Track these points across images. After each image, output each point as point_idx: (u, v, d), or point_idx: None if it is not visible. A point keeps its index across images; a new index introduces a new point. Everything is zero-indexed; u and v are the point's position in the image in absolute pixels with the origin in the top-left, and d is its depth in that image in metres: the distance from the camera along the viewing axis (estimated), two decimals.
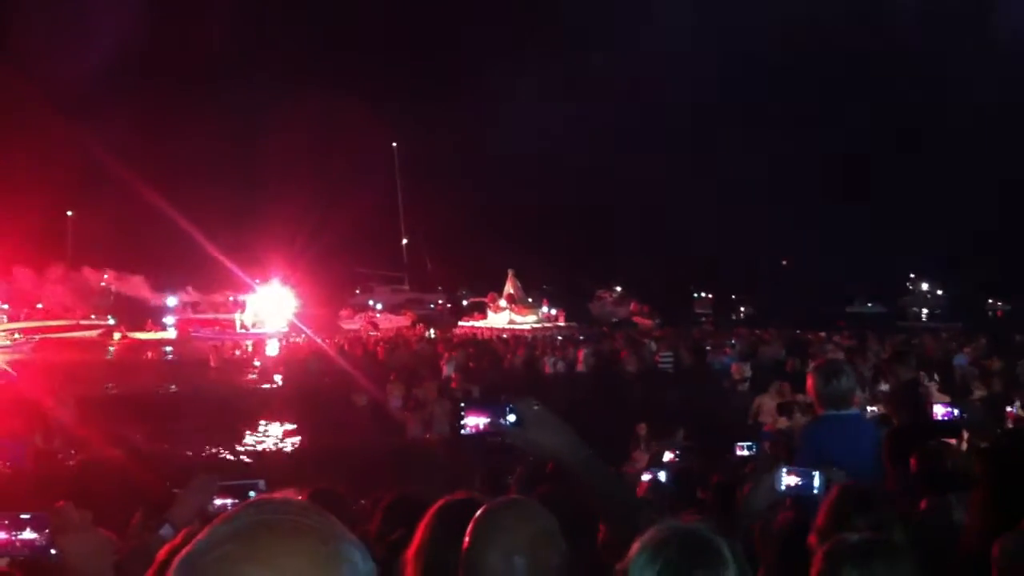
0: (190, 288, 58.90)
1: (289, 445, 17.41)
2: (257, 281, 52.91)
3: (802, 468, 3.07)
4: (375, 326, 53.12)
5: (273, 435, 18.36)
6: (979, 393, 8.53)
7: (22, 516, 2.50)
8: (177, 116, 79.41)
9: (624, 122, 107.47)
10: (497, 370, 26.47)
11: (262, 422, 19.06)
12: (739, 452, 7.13)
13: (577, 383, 25.37)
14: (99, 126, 66.04)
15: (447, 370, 23.77)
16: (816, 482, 3.01)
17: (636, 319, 62.92)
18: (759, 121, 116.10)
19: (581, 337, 40.32)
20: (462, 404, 2.56)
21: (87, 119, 64.53)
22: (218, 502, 3.17)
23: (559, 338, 39.64)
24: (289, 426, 18.88)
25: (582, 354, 29.11)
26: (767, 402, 14.73)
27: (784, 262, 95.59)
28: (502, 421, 2.46)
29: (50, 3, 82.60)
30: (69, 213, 71.82)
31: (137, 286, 60.40)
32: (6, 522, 2.45)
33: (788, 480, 3.01)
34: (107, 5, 70.84)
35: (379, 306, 65.42)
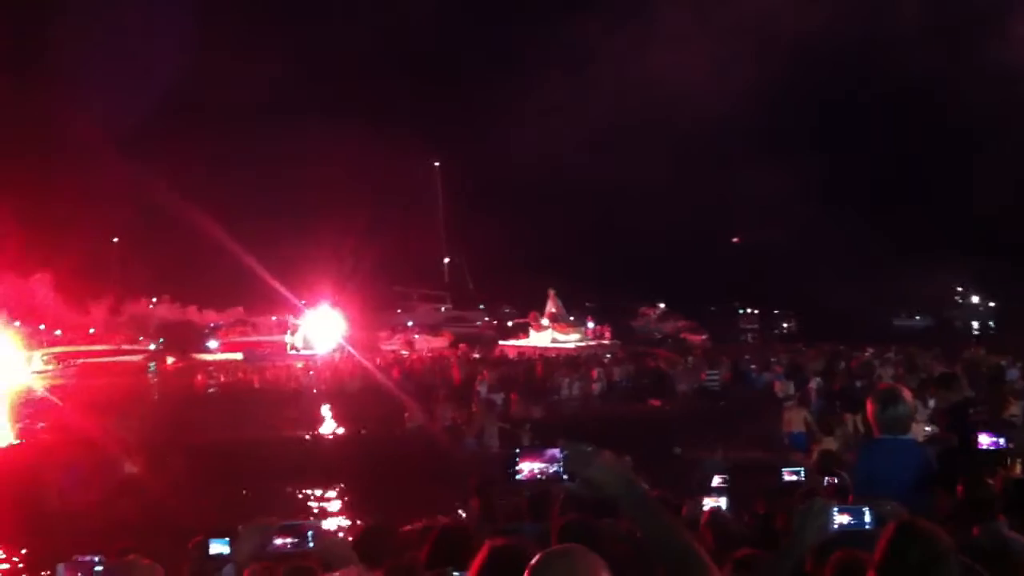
0: (241, 309, 59.88)
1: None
2: (303, 303, 53.61)
3: (852, 506, 3.11)
4: (411, 346, 53.40)
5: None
6: (1013, 410, 8.41)
7: (95, 568, 2.53)
8: (225, 145, 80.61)
9: (666, 139, 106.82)
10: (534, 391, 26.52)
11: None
12: (786, 477, 7.02)
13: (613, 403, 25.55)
14: (152, 156, 67.34)
15: (481, 391, 24.05)
16: (867, 518, 3.04)
17: (684, 335, 62.63)
18: (800, 131, 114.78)
19: (621, 355, 40.36)
20: (516, 450, 2.61)
21: (140, 150, 65.93)
22: (277, 541, 3.25)
23: (607, 356, 39.67)
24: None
25: (595, 373, 29.37)
26: (795, 415, 15.82)
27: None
28: (558, 470, 2.52)
29: (102, 38, 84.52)
30: (115, 239, 73.42)
31: (186, 310, 61.46)
32: (79, 574, 2.49)
33: (840, 519, 3.04)
34: (155, 37, 72.49)
35: (413, 324, 65.73)
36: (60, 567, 2.47)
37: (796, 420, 15.68)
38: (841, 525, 3.03)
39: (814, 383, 20.50)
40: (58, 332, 56.38)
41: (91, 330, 58.87)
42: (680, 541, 2.58)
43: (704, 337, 59.55)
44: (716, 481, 7.92)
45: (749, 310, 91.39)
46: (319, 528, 3.31)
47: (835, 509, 3.06)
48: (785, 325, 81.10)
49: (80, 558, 2.88)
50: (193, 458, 16.26)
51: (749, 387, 26.63)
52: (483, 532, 4.28)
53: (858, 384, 18.82)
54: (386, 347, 54.14)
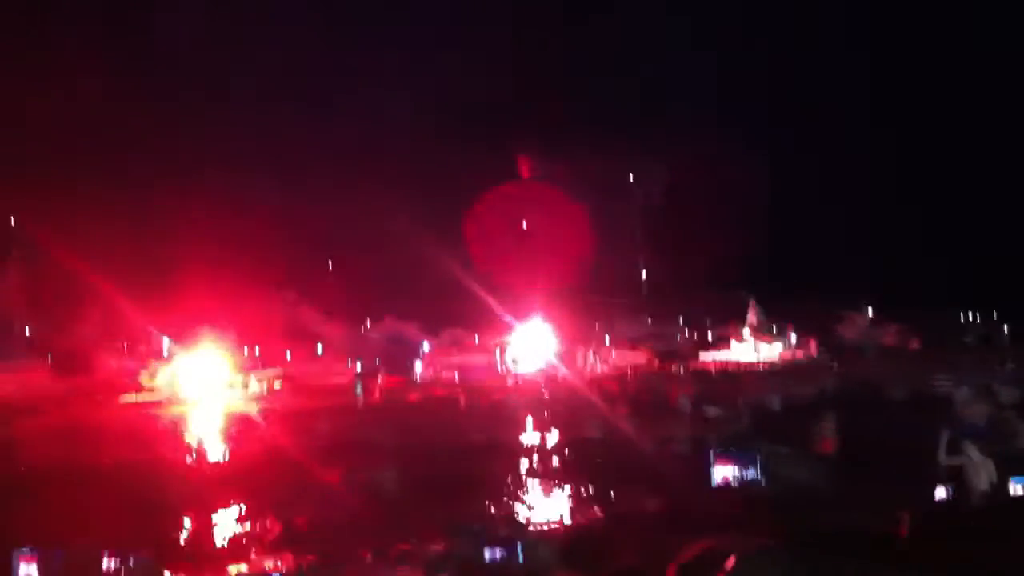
0: (448, 331, 62.13)
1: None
2: (511, 319, 55.07)
3: None
4: (607, 362, 53.65)
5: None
6: None
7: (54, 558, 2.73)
8: (431, 167, 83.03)
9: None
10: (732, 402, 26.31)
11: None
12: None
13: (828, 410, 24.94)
14: (356, 182, 70.65)
15: (681, 404, 24.29)
16: None
17: (896, 343, 59.50)
18: None
19: (834, 364, 39.26)
20: (712, 453, 3.00)
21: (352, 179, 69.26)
22: (487, 551, 3.53)
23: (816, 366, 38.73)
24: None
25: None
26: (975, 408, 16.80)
27: None
28: (755, 474, 2.95)
29: None
30: (329, 265, 77.47)
31: (401, 330, 64.15)
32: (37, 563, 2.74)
33: None
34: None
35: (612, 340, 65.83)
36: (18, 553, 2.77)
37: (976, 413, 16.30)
38: None
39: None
40: (287, 353, 59.50)
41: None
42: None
43: (917, 344, 56.34)
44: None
45: (971, 315, 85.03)
46: (529, 539, 3.57)
47: None
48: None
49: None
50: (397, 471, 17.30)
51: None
52: None
53: None
54: (582, 361, 54.67)
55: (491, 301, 53.71)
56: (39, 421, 32.72)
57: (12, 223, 55.68)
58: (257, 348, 58.76)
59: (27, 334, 56.33)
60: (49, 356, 51.22)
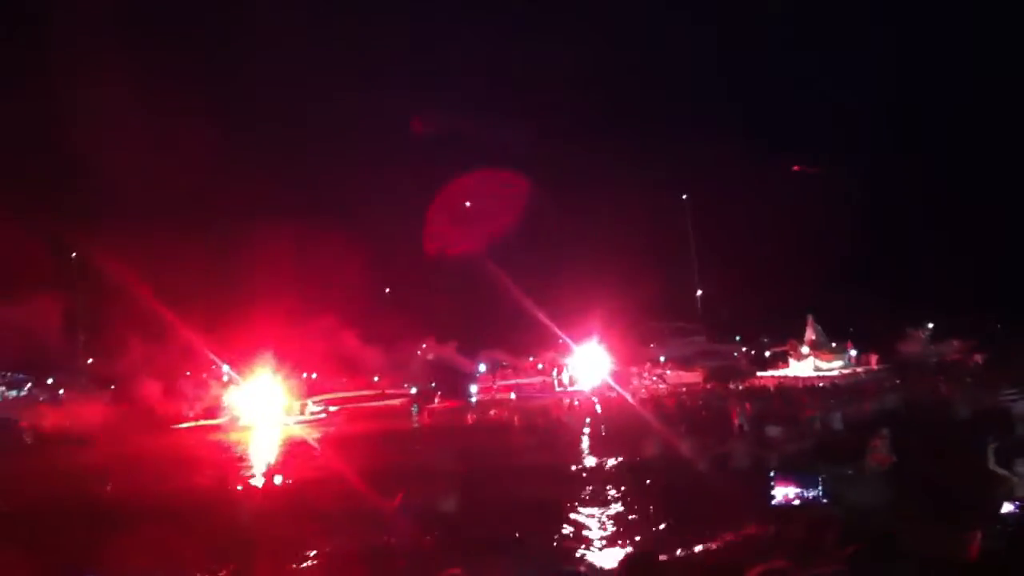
0: (502, 353, 62.37)
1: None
2: (564, 341, 55.28)
3: None
4: (664, 380, 53.41)
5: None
6: None
7: None
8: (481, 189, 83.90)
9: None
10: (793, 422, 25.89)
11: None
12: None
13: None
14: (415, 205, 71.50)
15: (739, 421, 24.16)
16: None
17: (962, 357, 58.01)
18: None
19: (898, 381, 38.49)
20: (771, 474, 2.97)
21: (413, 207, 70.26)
22: None
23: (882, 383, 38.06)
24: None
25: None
26: None
27: None
28: (817, 494, 2.88)
29: None
30: (387, 290, 78.43)
31: (456, 353, 64.64)
32: None
33: None
34: None
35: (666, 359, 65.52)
36: None
37: None
38: None
39: None
40: (343, 379, 60.35)
41: (375, 378, 62.56)
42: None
43: (981, 358, 54.90)
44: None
45: None
46: (590, 569, 3.68)
47: None
48: None
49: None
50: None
51: None
52: None
53: None
54: (636, 382, 54.46)
55: (546, 322, 53.95)
56: (101, 449, 33.39)
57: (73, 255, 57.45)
58: (314, 374, 59.76)
59: (87, 364, 57.99)
60: (109, 385, 52.64)
